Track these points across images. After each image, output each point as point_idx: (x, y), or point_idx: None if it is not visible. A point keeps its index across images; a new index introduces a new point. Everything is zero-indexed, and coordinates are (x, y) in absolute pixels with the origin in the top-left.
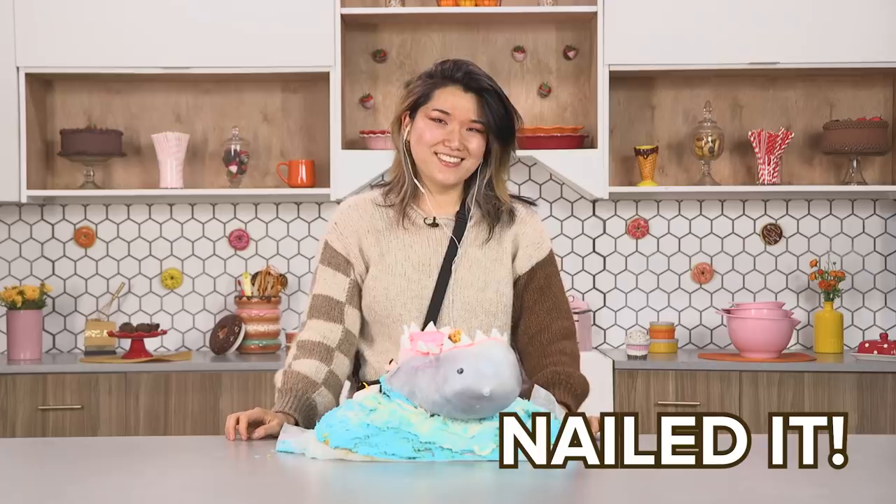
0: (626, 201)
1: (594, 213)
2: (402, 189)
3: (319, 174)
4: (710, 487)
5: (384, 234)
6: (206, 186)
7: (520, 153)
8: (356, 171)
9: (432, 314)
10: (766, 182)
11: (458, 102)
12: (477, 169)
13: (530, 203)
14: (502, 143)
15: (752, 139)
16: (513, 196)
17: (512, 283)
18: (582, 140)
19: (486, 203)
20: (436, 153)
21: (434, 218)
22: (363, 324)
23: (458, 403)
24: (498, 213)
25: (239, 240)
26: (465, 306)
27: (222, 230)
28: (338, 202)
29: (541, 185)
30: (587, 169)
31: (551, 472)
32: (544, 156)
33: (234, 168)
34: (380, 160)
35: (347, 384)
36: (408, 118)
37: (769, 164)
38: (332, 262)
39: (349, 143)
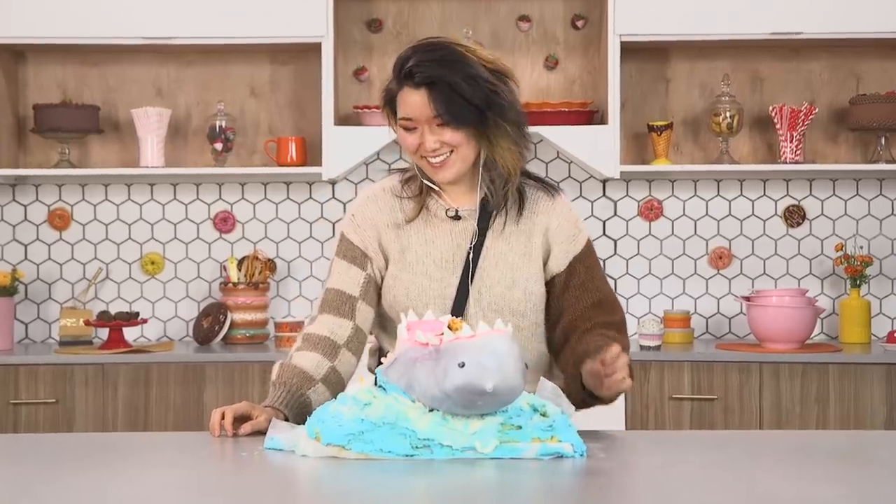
0: (639, 181)
1: (604, 194)
2: (418, 181)
3: (310, 152)
4: (726, 487)
5: (404, 227)
6: (190, 165)
7: None
8: (350, 148)
9: (456, 314)
10: (788, 160)
11: (414, 103)
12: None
13: (552, 187)
14: (471, 127)
15: (773, 114)
16: (534, 178)
17: (542, 281)
18: (591, 116)
19: (500, 188)
20: (422, 156)
21: (457, 210)
22: (387, 320)
23: (458, 399)
24: (515, 197)
25: (224, 222)
26: (491, 305)
27: (206, 212)
28: (331, 182)
29: (547, 164)
30: (597, 147)
31: (558, 470)
32: (551, 132)
33: (219, 145)
34: (375, 137)
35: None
36: (391, 116)
37: (791, 142)
38: (347, 255)
39: (342, 119)
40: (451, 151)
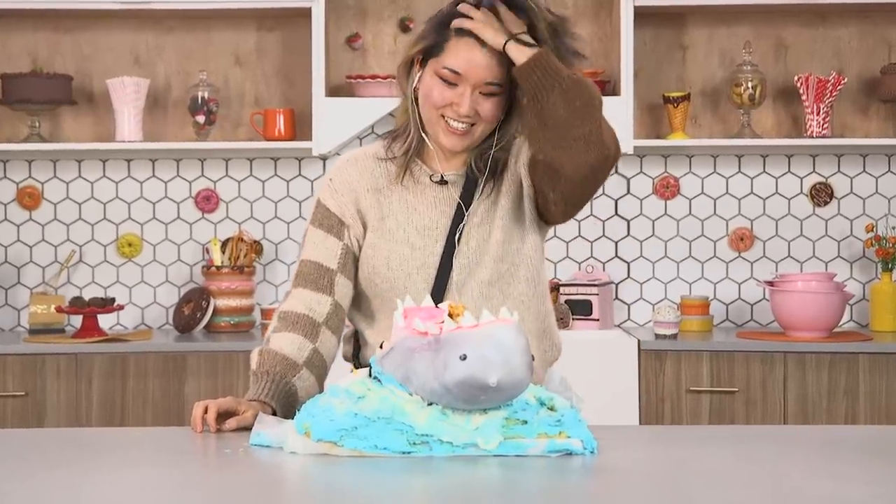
0: (654, 156)
1: (617, 171)
2: (407, 139)
3: (300, 125)
4: (748, 486)
5: (385, 192)
6: (170, 139)
7: None
8: (342, 121)
9: (440, 285)
10: (814, 134)
11: (473, 60)
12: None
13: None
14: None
15: (798, 85)
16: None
17: (540, 246)
18: (603, 86)
19: (496, 157)
20: (442, 115)
21: (442, 175)
22: (362, 299)
23: (459, 394)
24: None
25: (207, 201)
26: (478, 276)
27: (188, 190)
28: (321, 158)
29: None
30: (609, 119)
31: (566, 468)
32: None
33: (201, 118)
34: (369, 109)
35: (341, 367)
36: (419, 64)
37: (818, 114)
38: (323, 224)
39: (334, 90)
40: (474, 124)
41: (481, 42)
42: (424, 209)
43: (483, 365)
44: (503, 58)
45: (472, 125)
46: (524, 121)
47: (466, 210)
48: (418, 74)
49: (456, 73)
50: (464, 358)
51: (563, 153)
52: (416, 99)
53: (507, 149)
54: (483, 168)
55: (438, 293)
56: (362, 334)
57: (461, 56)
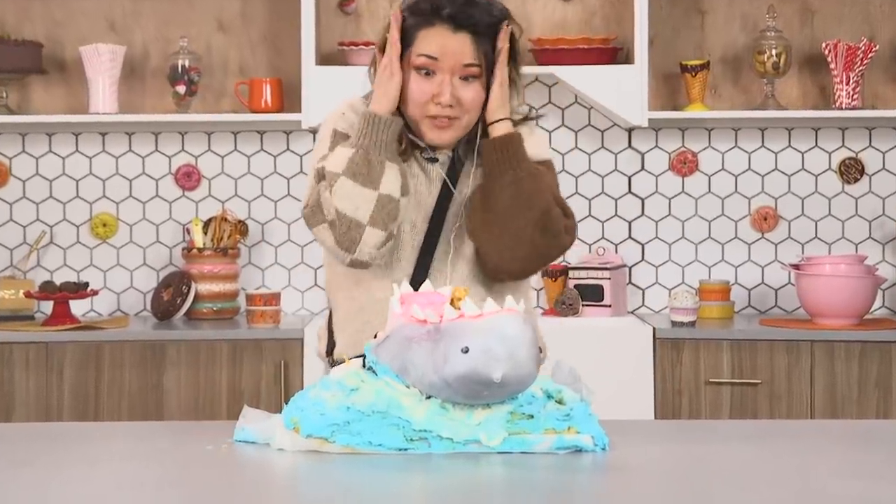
0: (670, 130)
1: (630, 145)
2: (402, 142)
3: (288, 96)
4: (772, 486)
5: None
6: (147, 111)
7: (538, 70)
8: (333, 91)
9: (423, 263)
10: (843, 106)
11: (446, 44)
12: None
13: (531, 119)
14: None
15: (826, 52)
16: (516, 122)
17: None
18: (615, 54)
19: (485, 141)
20: (426, 114)
21: (433, 153)
22: (335, 288)
23: (460, 388)
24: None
25: (188, 178)
26: (464, 258)
27: (167, 166)
28: (311, 131)
29: (563, 110)
30: (621, 89)
31: (575, 466)
32: (568, 73)
33: (181, 89)
34: (361, 78)
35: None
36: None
37: (848, 84)
38: (340, 137)
39: (325, 58)
40: (459, 117)
41: (453, 28)
42: (413, 185)
43: (486, 359)
44: (477, 39)
45: (456, 118)
46: (470, 197)
47: (454, 188)
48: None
49: (432, 58)
50: (466, 351)
51: (493, 243)
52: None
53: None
54: (469, 154)
55: (422, 272)
56: (333, 329)
57: (434, 41)
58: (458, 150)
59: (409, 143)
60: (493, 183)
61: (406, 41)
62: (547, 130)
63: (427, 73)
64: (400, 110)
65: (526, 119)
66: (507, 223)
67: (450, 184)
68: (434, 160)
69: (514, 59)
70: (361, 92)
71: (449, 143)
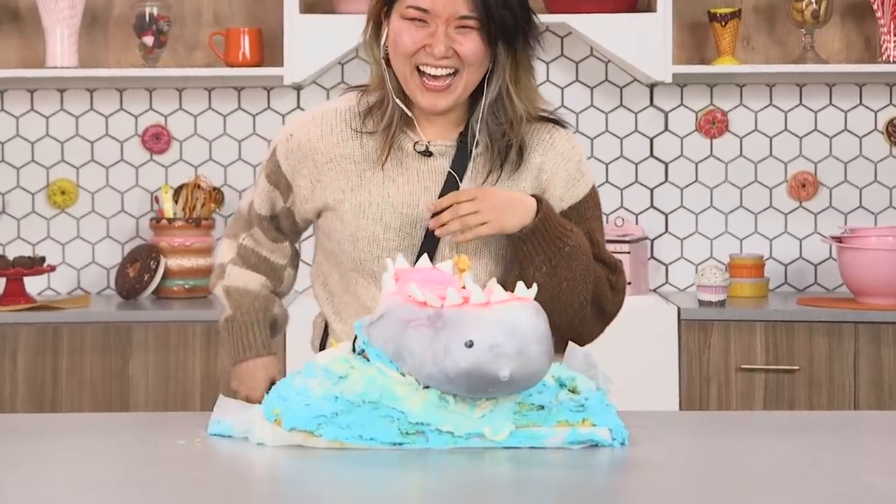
0: (697, 86)
1: (652, 103)
2: (386, 113)
3: (269, 48)
4: (812, 484)
5: (358, 162)
6: (111, 65)
7: (550, 19)
8: (319, 42)
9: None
10: (891, 59)
11: None
12: (484, 77)
13: (560, 124)
14: (508, 44)
15: None
16: (540, 114)
17: None
18: (635, 1)
19: (496, 125)
20: (417, 68)
21: (427, 145)
22: (328, 274)
23: (462, 384)
24: (508, 143)
25: (156, 140)
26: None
27: (133, 126)
28: (295, 87)
29: (577, 64)
30: (642, 41)
31: (591, 463)
32: (582, 22)
33: (149, 40)
34: (353, 28)
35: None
36: (385, 18)
37: None
38: (271, 177)
39: (310, 6)
40: (456, 72)
41: None
42: (405, 184)
43: (493, 355)
44: None
45: (454, 73)
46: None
47: (460, 181)
48: (386, 31)
49: (423, 9)
50: (470, 345)
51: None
52: (389, 63)
53: (515, 130)
54: (481, 138)
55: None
56: (327, 318)
57: None
58: (468, 129)
59: (398, 125)
60: (527, 278)
61: None
62: (559, 87)
63: (419, 21)
64: (392, 71)
65: (547, 120)
66: (553, 317)
67: (456, 177)
68: (428, 154)
69: (527, 41)
70: (350, 43)
71: (445, 108)
